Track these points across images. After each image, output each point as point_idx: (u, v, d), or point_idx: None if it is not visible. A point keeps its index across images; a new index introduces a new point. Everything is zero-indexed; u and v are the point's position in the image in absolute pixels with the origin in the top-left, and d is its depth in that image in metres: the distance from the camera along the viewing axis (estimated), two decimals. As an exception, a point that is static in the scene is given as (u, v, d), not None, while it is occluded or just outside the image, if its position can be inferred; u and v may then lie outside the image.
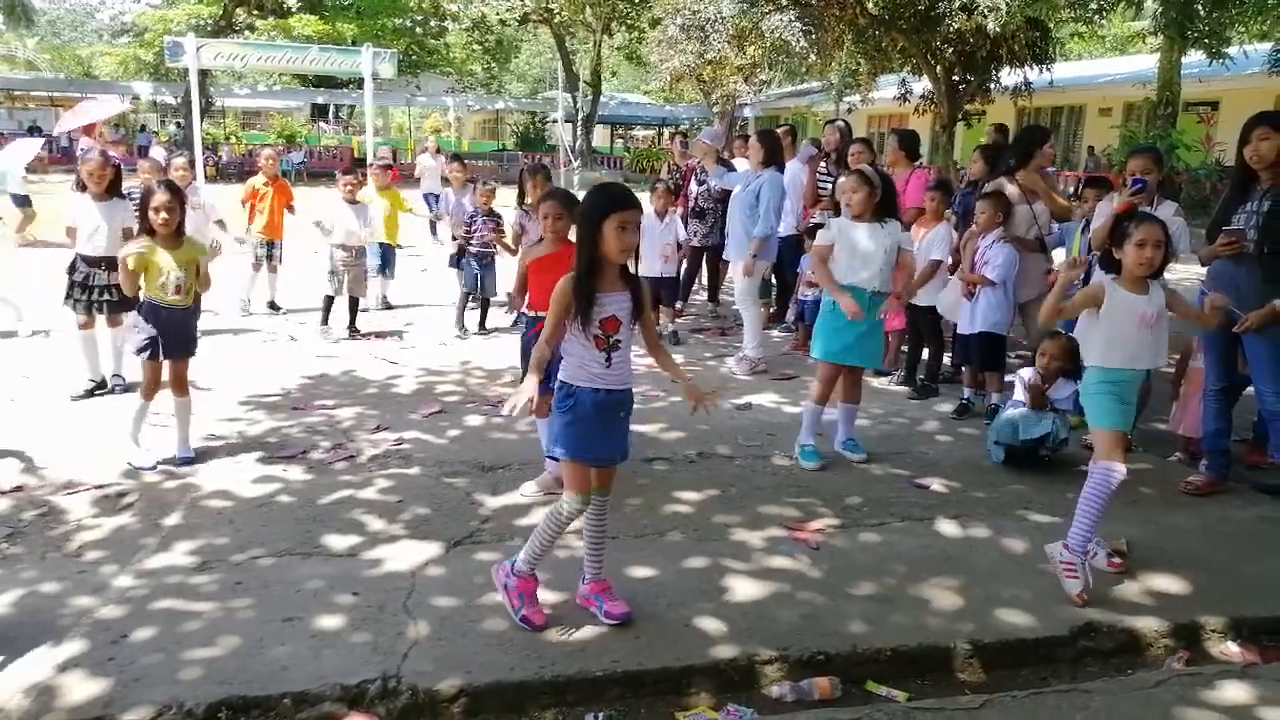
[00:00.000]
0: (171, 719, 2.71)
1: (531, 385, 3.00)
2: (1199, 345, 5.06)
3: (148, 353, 4.64)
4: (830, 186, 7.77)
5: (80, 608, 3.27)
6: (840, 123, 8.50)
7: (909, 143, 7.27)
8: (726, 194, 7.58)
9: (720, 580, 3.60)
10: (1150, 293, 3.66)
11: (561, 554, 3.67)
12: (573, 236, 3.26)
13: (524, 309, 4.64)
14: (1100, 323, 3.67)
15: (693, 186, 8.54)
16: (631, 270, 3.15)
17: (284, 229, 8.84)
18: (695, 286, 9.27)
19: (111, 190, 5.77)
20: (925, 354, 6.53)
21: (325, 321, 7.81)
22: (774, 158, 6.92)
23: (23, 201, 10.12)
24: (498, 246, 7.91)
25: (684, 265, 8.50)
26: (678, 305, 8.18)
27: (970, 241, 5.94)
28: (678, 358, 7.18)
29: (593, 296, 3.04)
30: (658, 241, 7.57)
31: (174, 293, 4.61)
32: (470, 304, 8.14)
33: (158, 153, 11.94)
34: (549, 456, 3.89)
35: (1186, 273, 7.50)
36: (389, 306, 9.10)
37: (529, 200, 6.21)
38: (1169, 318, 3.74)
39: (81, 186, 5.82)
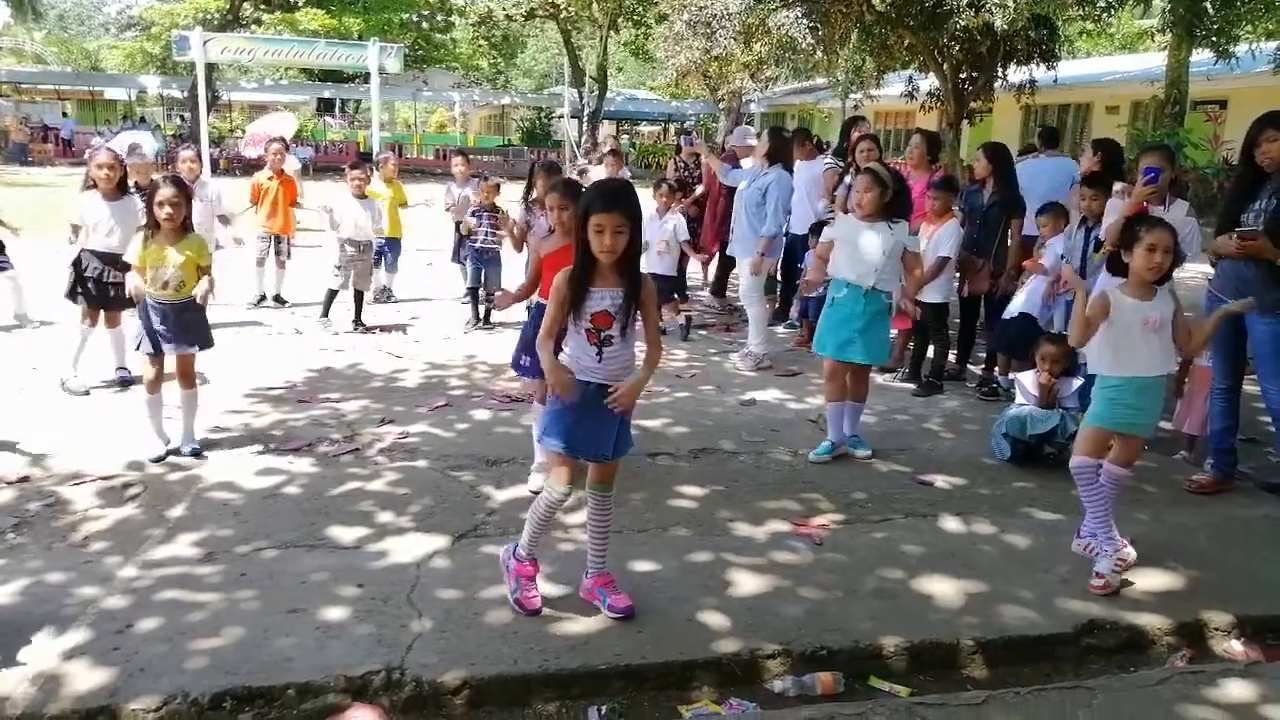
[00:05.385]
0: (176, 708, 2.73)
1: (555, 375, 3.09)
2: (1206, 343, 5.05)
3: (141, 346, 4.67)
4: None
5: (85, 598, 3.28)
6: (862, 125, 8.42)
7: (935, 144, 7.19)
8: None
9: (723, 574, 3.61)
10: (1157, 298, 3.64)
11: (567, 547, 3.69)
12: None
13: (532, 299, 4.63)
14: (1107, 332, 3.65)
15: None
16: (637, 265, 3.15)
17: (291, 225, 8.86)
18: (700, 281, 9.24)
19: (121, 188, 5.78)
20: (931, 351, 6.52)
21: (326, 314, 7.81)
22: (780, 155, 6.89)
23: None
24: (501, 241, 7.90)
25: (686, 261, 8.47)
26: (682, 307, 8.15)
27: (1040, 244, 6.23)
28: (680, 353, 7.26)
29: (585, 291, 3.07)
30: (654, 237, 7.55)
31: (163, 286, 4.60)
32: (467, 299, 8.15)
33: (121, 140, 10.85)
34: (539, 442, 3.93)
35: (1195, 272, 7.49)
36: (393, 299, 9.10)
37: (535, 195, 6.19)
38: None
39: (91, 185, 5.82)
